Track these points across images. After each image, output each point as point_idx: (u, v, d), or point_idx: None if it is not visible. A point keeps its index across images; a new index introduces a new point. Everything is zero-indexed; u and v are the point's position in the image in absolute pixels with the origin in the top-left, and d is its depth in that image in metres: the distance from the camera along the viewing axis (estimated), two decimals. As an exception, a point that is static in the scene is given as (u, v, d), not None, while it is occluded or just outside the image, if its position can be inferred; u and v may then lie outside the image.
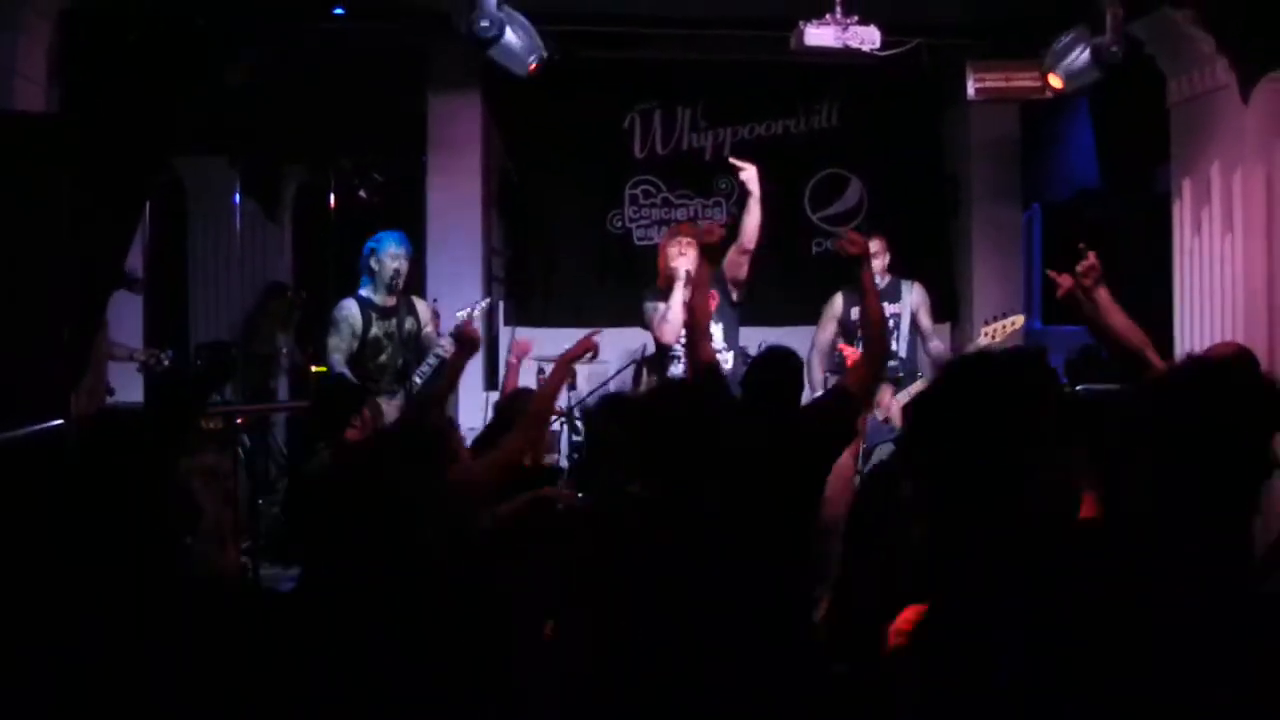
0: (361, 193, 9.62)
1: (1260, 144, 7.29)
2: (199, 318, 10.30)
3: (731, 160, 7.02)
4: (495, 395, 9.36)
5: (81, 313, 6.28)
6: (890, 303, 7.33)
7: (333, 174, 9.78)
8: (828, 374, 7.54)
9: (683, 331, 6.80)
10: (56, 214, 5.68)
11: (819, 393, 7.40)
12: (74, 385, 6.23)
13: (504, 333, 9.92)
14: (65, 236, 5.70)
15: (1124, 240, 8.56)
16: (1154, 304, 8.10)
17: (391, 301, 7.37)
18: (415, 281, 9.48)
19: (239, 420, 7.90)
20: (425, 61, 9.47)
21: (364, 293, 7.36)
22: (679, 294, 6.81)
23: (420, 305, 7.61)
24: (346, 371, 7.19)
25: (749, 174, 6.80)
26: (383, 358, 7.33)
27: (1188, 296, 7.74)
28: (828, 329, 7.50)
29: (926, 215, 10.23)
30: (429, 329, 7.51)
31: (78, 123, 6.64)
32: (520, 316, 9.99)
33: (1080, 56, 6.94)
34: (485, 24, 6.32)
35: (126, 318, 8.44)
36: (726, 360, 6.94)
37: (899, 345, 7.33)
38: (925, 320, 7.43)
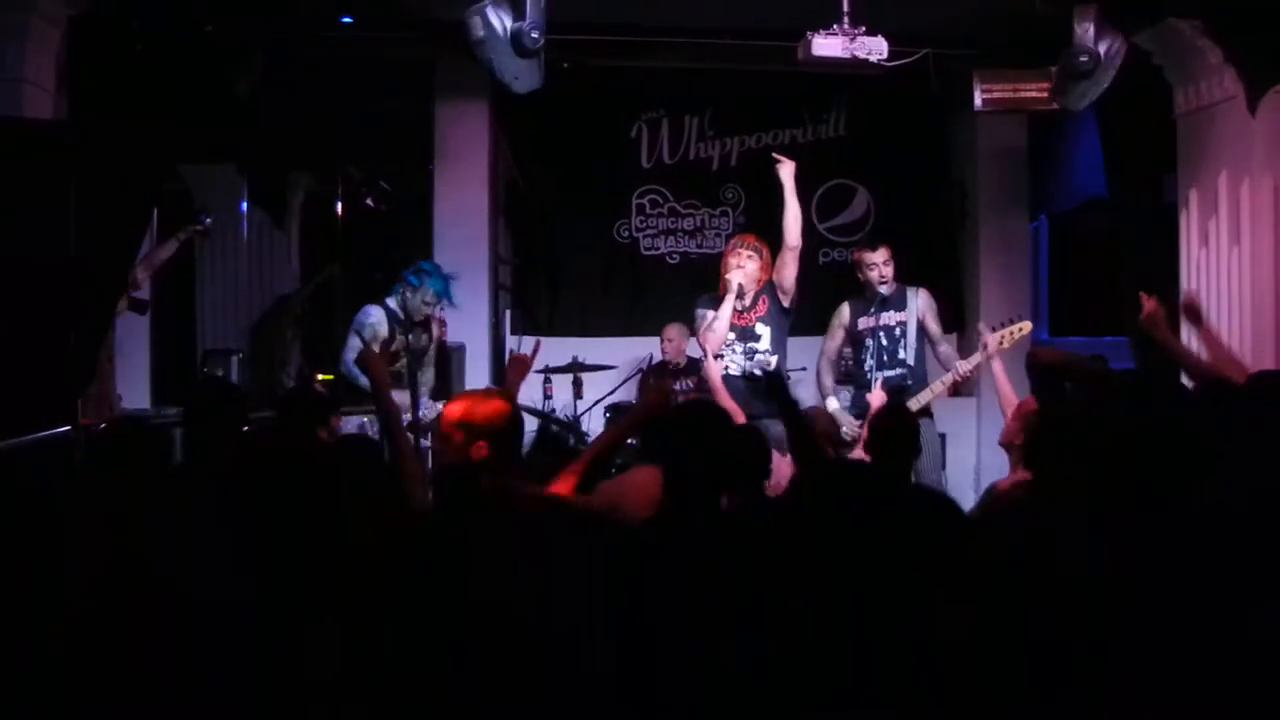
0: (369, 201, 9.61)
1: (1268, 155, 7.29)
2: (206, 325, 10.31)
3: (774, 155, 7.26)
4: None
5: (88, 319, 6.29)
6: (897, 311, 7.33)
7: (340, 182, 9.79)
8: (837, 383, 7.52)
9: (726, 340, 6.91)
10: (63, 221, 5.70)
11: (829, 399, 7.37)
12: (81, 392, 6.25)
13: (510, 341, 9.93)
14: (72, 243, 5.72)
15: (1130, 250, 8.54)
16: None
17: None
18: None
19: (245, 427, 7.91)
20: (433, 71, 9.49)
21: (391, 304, 7.66)
22: (728, 305, 6.96)
23: (433, 321, 7.89)
24: (356, 371, 7.36)
25: (786, 170, 7.10)
26: (398, 365, 7.52)
27: (1195, 307, 7.73)
28: (836, 337, 7.49)
29: (934, 225, 10.23)
30: (432, 348, 7.87)
31: (85, 130, 6.66)
32: (527, 326, 10.00)
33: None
34: (535, 35, 6.24)
35: (134, 325, 8.45)
36: (770, 363, 7.06)
37: (906, 353, 7.29)
38: (933, 325, 7.41)
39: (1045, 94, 7.65)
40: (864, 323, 7.32)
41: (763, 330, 7.08)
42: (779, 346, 7.13)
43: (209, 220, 8.50)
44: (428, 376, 7.82)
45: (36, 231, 5.69)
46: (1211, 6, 7.20)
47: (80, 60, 6.98)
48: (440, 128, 9.68)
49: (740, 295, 6.97)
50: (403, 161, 9.79)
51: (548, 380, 9.12)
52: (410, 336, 7.65)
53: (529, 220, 10.23)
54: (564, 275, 10.11)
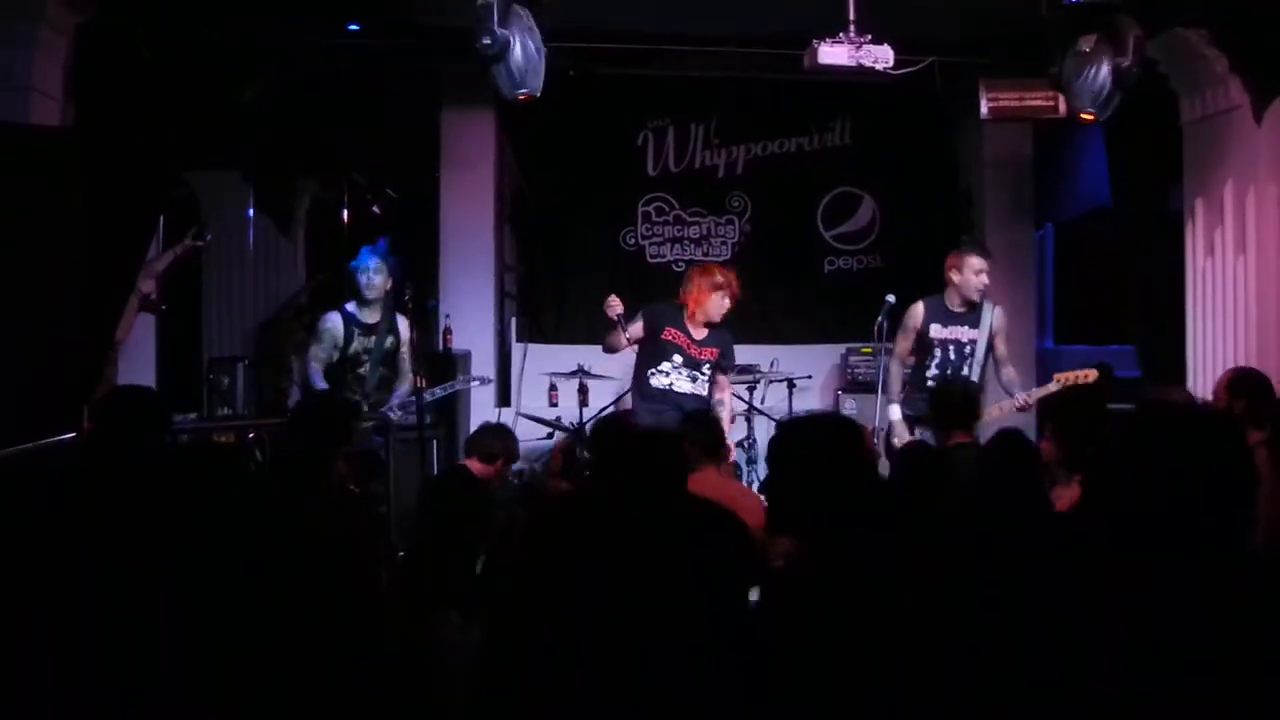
0: (375, 208, 9.63)
1: (1273, 164, 7.28)
2: (212, 331, 10.31)
3: None
4: (508, 411, 9.38)
5: (95, 326, 6.30)
6: (971, 327, 7.19)
7: (346, 189, 9.80)
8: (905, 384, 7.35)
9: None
10: (70, 228, 5.70)
11: (892, 405, 7.21)
12: (87, 398, 6.25)
13: (515, 349, 9.93)
14: (79, 250, 5.72)
15: (1136, 259, 8.53)
16: (1167, 323, 8.09)
17: (375, 319, 7.69)
18: (429, 296, 9.52)
19: (251, 435, 7.91)
20: (439, 78, 9.51)
21: (349, 308, 7.69)
22: (620, 337, 7.29)
23: (402, 324, 7.83)
24: (321, 380, 7.56)
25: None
26: (362, 370, 7.67)
27: (1200, 316, 7.73)
28: (909, 338, 7.27)
29: (939, 234, 10.19)
30: (404, 350, 7.79)
31: (92, 137, 6.68)
32: (533, 333, 10.01)
33: (1103, 82, 6.83)
34: (487, 41, 6.30)
35: (141, 332, 8.45)
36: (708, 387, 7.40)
37: (972, 370, 7.11)
38: (1002, 346, 7.23)
39: (1051, 102, 7.64)
40: (936, 331, 7.21)
41: (708, 370, 7.32)
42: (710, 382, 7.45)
43: (209, 237, 8.50)
44: (403, 386, 7.73)
45: (43, 238, 5.70)
46: (1218, 16, 7.20)
47: (87, 67, 7.00)
48: (446, 135, 9.70)
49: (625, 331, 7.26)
50: (408, 169, 9.80)
51: (553, 387, 9.14)
52: (373, 340, 7.67)
53: (534, 228, 10.24)
54: (569, 283, 10.12)
